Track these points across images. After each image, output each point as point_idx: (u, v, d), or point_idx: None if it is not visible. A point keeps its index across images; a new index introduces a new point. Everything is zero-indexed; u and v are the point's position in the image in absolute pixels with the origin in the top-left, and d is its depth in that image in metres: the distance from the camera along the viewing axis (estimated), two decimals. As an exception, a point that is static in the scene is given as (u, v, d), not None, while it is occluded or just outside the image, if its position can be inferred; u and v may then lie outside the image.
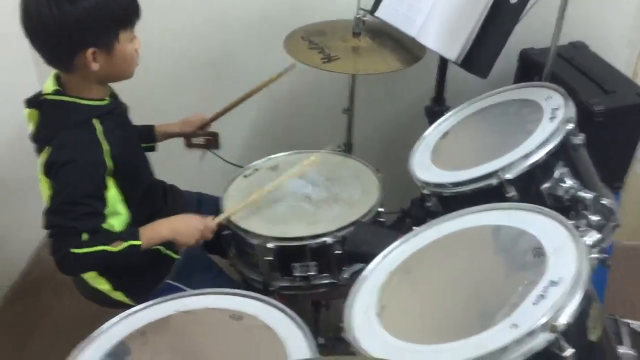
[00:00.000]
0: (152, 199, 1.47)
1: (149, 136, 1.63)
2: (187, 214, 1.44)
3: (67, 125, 1.26)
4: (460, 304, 0.93)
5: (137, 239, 1.29)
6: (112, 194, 1.32)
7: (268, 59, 2.12)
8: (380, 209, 1.49)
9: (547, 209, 0.99)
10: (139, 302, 1.18)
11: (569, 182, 1.16)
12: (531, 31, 1.82)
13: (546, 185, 1.18)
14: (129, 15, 1.26)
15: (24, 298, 2.19)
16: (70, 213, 1.23)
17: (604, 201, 1.19)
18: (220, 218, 1.45)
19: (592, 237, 0.95)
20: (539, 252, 0.91)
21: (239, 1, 2.08)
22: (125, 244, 1.27)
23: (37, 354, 1.99)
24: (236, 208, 1.49)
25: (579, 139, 1.21)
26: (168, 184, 1.65)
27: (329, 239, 1.39)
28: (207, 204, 1.63)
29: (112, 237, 1.28)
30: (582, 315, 0.80)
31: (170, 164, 1.79)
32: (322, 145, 1.75)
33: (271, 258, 1.40)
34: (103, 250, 1.24)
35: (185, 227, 1.37)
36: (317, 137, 1.89)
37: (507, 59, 1.91)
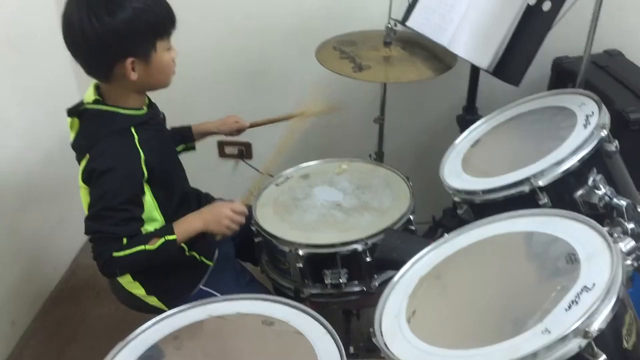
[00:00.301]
0: (187, 207, 1.50)
1: (187, 136, 1.67)
2: (214, 202, 1.46)
3: (106, 134, 1.30)
4: (491, 309, 0.93)
5: (172, 233, 1.32)
6: (148, 200, 1.36)
7: (303, 68, 2.15)
8: (411, 217, 1.49)
9: (580, 215, 0.98)
10: (172, 307, 1.20)
11: (603, 189, 1.14)
12: (565, 39, 1.80)
13: (580, 192, 1.16)
14: (166, 25, 1.30)
15: (64, 305, 2.24)
16: (110, 219, 1.27)
17: (640, 209, 1.17)
18: (245, 196, 1.47)
19: (627, 244, 0.93)
20: (572, 258, 0.90)
21: (276, 13, 2.12)
22: (161, 240, 1.30)
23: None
24: (259, 183, 1.52)
25: (614, 145, 1.19)
26: (203, 192, 1.68)
27: (359, 246, 1.39)
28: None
29: (148, 236, 1.32)
30: (616, 322, 0.79)
31: (204, 173, 1.83)
32: (353, 154, 1.76)
33: (302, 265, 1.41)
34: (142, 250, 1.28)
35: (212, 214, 1.39)
36: (349, 146, 1.90)
37: (541, 67, 1.89)
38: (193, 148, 1.70)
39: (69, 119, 1.37)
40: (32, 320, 2.16)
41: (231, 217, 1.40)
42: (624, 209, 1.11)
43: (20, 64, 2.03)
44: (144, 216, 1.34)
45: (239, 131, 1.73)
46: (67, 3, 1.24)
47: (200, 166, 1.75)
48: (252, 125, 1.74)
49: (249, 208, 1.57)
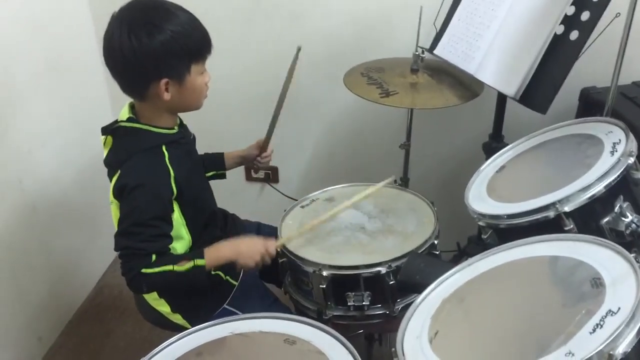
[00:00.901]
0: (214, 226, 1.53)
1: (219, 163, 1.70)
2: (250, 236, 1.48)
3: (138, 151, 1.34)
4: (514, 332, 0.92)
5: (202, 257, 1.34)
6: (176, 217, 1.39)
7: (331, 95, 2.19)
8: (435, 242, 1.49)
9: (605, 240, 0.97)
10: (195, 326, 1.22)
11: (630, 217, 1.14)
12: (593, 70, 1.81)
13: (606, 219, 1.15)
14: (201, 49, 1.34)
15: (89, 322, 2.28)
16: (140, 235, 1.30)
17: (669, 239, 1.15)
18: (281, 242, 1.49)
19: (654, 270, 0.92)
20: (597, 283, 0.89)
21: (305, 40, 2.16)
22: (190, 264, 1.32)
23: (100, 377, 2.07)
24: (297, 232, 1.52)
25: (641, 173, 1.18)
26: (230, 213, 1.71)
27: (383, 269, 1.39)
28: (266, 233, 1.67)
29: (178, 257, 1.34)
30: (641, 346, 0.78)
31: (231, 196, 1.86)
32: (378, 179, 1.77)
33: (325, 286, 1.41)
34: (171, 270, 1.30)
35: (247, 248, 1.41)
36: (374, 171, 1.91)
37: (568, 97, 1.89)
38: (224, 176, 1.73)
39: (102, 137, 1.42)
40: (58, 336, 2.19)
41: (263, 255, 1.42)
42: (651, 236, 1.10)
43: (58, 85, 2.11)
44: (172, 233, 1.37)
45: (258, 154, 1.73)
46: (110, 22, 1.30)
47: (227, 189, 1.78)
48: (265, 141, 1.73)
49: (275, 228, 1.59)
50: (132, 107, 1.40)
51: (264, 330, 1.18)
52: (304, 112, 2.30)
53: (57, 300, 2.19)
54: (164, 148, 1.36)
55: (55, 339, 2.18)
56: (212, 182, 1.63)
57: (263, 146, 1.73)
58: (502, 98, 1.81)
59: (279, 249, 1.51)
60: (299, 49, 1.64)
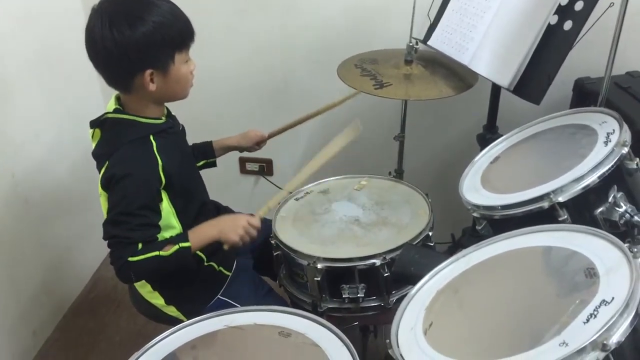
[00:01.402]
0: (206, 217, 1.51)
1: (208, 151, 1.69)
2: (233, 214, 1.47)
3: (126, 141, 1.33)
4: (508, 322, 0.92)
5: (186, 240, 1.34)
6: (166, 207, 1.38)
7: (325, 85, 2.18)
8: (430, 233, 1.49)
9: (599, 230, 0.98)
10: (190, 318, 1.22)
11: (624, 207, 1.13)
12: (587, 61, 1.81)
13: (600, 209, 1.15)
14: (184, 38, 1.33)
15: (84, 316, 2.27)
16: (127, 224, 1.30)
17: (662, 228, 1.16)
18: (262, 210, 1.48)
19: (648, 261, 0.92)
20: (591, 273, 0.89)
21: (298, 31, 2.16)
22: (175, 247, 1.32)
23: (94, 370, 2.07)
24: (278, 198, 1.54)
25: (635, 163, 1.18)
26: (222, 205, 1.70)
27: (377, 261, 1.39)
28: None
29: (163, 242, 1.34)
30: (634, 336, 0.78)
31: (225, 189, 1.86)
32: (373, 171, 1.77)
33: (320, 279, 1.41)
34: (156, 256, 1.30)
35: (229, 223, 1.41)
36: (368, 163, 1.91)
37: (562, 88, 1.89)
38: (214, 164, 1.72)
39: (90, 131, 1.41)
40: (53, 330, 2.19)
41: (246, 228, 1.41)
42: (645, 226, 1.10)
43: (50, 78, 2.09)
44: (161, 223, 1.36)
45: (259, 144, 1.74)
46: (90, 16, 1.28)
47: (221, 182, 1.78)
48: (270, 136, 1.75)
49: (269, 221, 1.59)
50: (118, 98, 1.40)
51: (258, 322, 1.18)
52: (298, 104, 2.29)
53: (51, 294, 2.19)
54: (151, 138, 1.35)
55: (50, 333, 2.18)
56: (205, 175, 1.62)
57: (266, 138, 1.74)
58: (496, 89, 1.81)
59: (272, 242, 1.51)
60: (356, 93, 1.70)
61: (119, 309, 2.28)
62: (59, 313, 2.25)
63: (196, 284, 1.47)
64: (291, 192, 1.64)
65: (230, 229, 1.39)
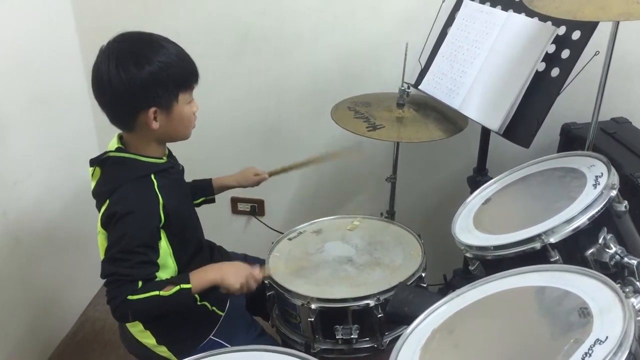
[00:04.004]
0: (201, 257, 1.52)
1: (207, 189, 1.71)
2: (235, 261, 1.48)
3: (127, 180, 1.34)
4: (504, 362, 0.93)
5: (187, 282, 1.33)
6: (163, 246, 1.38)
7: (318, 127, 2.22)
8: (423, 274, 1.50)
9: (591, 270, 0.99)
10: (181, 358, 1.20)
11: (614, 248, 1.15)
12: (574, 107, 1.87)
13: (591, 251, 1.17)
14: (188, 79, 1.37)
15: (70, 358, 2.23)
16: (126, 262, 1.29)
17: (652, 270, 1.17)
18: (267, 272, 1.49)
19: (639, 301, 0.94)
20: (584, 312, 0.90)
21: (292, 74, 2.21)
22: (176, 288, 1.31)
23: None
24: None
25: (623, 205, 1.21)
26: (216, 245, 1.70)
27: (371, 302, 1.40)
28: (252, 264, 1.67)
29: (164, 282, 1.33)
30: (629, 375, 0.79)
31: (217, 229, 1.86)
32: (365, 212, 1.79)
33: (314, 319, 1.41)
34: (156, 295, 1.29)
35: (232, 270, 1.41)
36: (361, 204, 1.93)
37: (550, 132, 1.94)
38: (213, 200, 1.74)
39: (90, 169, 1.42)
40: (37, 373, 2.15)
41: (248, 278, 1.41)
42: (634, 267, 1.11)
43: (45, 117, 2.11)
44: (158, 261, 1.36)
45: (258, 183, 1.77)
46: (98, 55, 1.32)
47: (213, 222, 1.78)
48: (270, 174, 1.77)
49: (262, 261, 1.59)
50: (120, 138, 1.41)
51: (252, 362, 1.16)
52: (291, 145, 2.33)
53: (37, 335, 2.15)
54: (152, 177, 1.37)
55: (35, 376, 2.13)
56: (198, 213, 1.63)
57: (266, 178, 1.78)
58: (486, 132, 1.85)
59: (266, 282, 1.51)
60: (359, 150, 1.82)
61: (106, 350, 2.24)
62: (45, 355, 2.20)
63: (188, 324, 1.46)
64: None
65: (232, 276, 1.39)
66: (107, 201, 1.33)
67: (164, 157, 1.44)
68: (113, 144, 1.40)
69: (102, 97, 1.33)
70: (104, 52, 1.31)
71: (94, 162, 1.40)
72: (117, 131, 1.42)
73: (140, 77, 1.27)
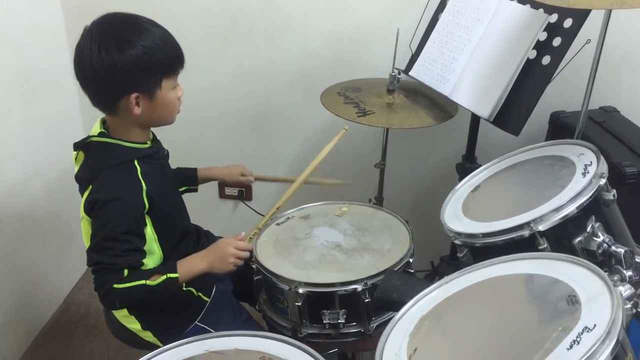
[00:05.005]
0: (187, 242, 1.51)
1: (192, 178, 1.69)
2: (217, 242, 1.47)
3: (110, 165, 1.32)
4: (492, 349, 0.93)
5: (174, 271, 1.33)
6: (149, 232, 1.37)
7: (307, 113, 2.21)
8: (411, 260, 1.50)
9: (579, 259, 0.99)
10: (166, 343, 1.18)
11: (601, 237, 1.16)
12: (562, 95, 1.87)
13: (579, 239, 1.18)
14: (173, 65, 1.34)
15: (55, 341, 2.22)
16: (112, 250, 1.28)
17: (638, 259, 1.18)
18: (251, 232, 1.49)
19: (627, 290, 0.94)
20: (573, 300, 0.90)
21: (282, 59, 2.18)
22: (163, 277, 1.31)
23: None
24: (266, 218, 1.56)
25: (612, 194, 1.21)
26: (203, 229, 1.69)
27: (359, 287, 1.40)
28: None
29: (150, 271, 1.32)
30: (617, 363, 0.79)
31: (204, 213, 1.84)
32: (353, 197, 1.78)
33: (301, 304, 1.41)
34: (143, 284, 1.28)
35: (219, 255, 1.40)
36: (349, 190, 1.92)
37: (539, 121, 1.94)
38: (195, 190, 1.72)
39: (74, 153, 1.40)
40: (22, 355, 2.13)
41: (236, 255, 1.41)
42: (622, 256, 1.12)
43: (30, 97, 2.08)
44: (144, 248, 1.35)
45: (243, 184, 1.76)
46: (81, 36, 1.28)
47: (200, 206, 1.77)
48: (257, 179, 1.77)
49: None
50: (103, 122, 1.39)
51: (239, 347, 1.16)
52: (279, 130, 2.31)
53: (21, 318, 2.13)
54: (136, 162, 1.35)
55: (20, 358, 2.12)
56: (185, 198, 1.62)
57: (252, 182, 1.79)
58: (475, 120, 1.84)
59: (254, 266, 1.50)
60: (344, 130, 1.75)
61: (91, 333, 2.23)
62: (29, 337, 2.19)
63: (174, 310, 1.45)
64: (278, 208, 1.67)
65: (218, 260, 1.39)
66: (90, 187, 1.31)
67: (148, 142, 1.42)
68: (96, 128, 1.37)
69: (83, 79, 1.30)
70: (87, 34, 1.27)
71: (77, 146, 1.38)
72: (101, 114, 1.39)
73: (122, 61, 1.25)
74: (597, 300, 0.88)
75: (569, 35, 1.50)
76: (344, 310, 1.42)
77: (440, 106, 1.77)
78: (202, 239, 1.64)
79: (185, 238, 1.52)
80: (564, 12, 1.52)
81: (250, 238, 1.53)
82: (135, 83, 1.28)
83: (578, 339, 0.82)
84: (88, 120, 1.44)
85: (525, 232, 1.17)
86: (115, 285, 1.26)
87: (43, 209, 2.18)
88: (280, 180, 1.80)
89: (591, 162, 1.27)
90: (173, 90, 1.36)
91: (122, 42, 1.25)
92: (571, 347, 0.81)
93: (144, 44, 1.26)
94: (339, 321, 1.42)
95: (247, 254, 1.43)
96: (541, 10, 1.54)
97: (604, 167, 1.23)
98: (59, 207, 2.21)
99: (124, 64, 1.25)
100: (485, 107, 1.60)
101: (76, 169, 1.40)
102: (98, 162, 1.34)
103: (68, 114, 2.24)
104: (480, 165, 1.55)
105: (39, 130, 2.14)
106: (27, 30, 2.03)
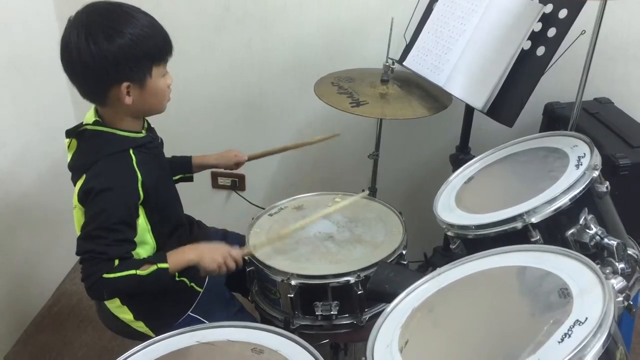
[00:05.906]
0: (180, 233, 1.50)
1: (186, 166, 1.68)
2: (215, 241, 1.46)
3: (104, 154, 1.31)
4: (484, 341, 0.93)
5: (164, 261, 1.32)
6: (142, 222, 1.36)
7: (300, 103, 2.19)
8: (404, 252, 1.50)
9: (572, 251, 0.99)
10: (158, 334, 1.18)
11: (594, 229, 1.16)
12: (556, 86, 1.86)
13: (571, 231, 1.17)
14: (162, 52, 1.31)
15: (46, 331, 2.21)
16: (103, 239, 1.26)
17: (630, 251, 1.18)
18: (246, 250, 1.47)
19: (619, 282, 0.94)
20: (564, 293, 0.90)
21: (276, 48, 2.17)
22: (153, 267, 1.29)
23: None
24: (262, 243, 1.51)
25: (604, 186, 1.21)
26: (195, 220, 1.68)
27: (352, 279, 1.39)
28: (232, 240, 1.65)
29: (141, 261, 1.31)
30: (607, 356, 0.79)
31: (197, 203, 1.84)
32: (346, 188, 1.78)
33: (293, 295, 1.40)
34: (133, 274, 1.27)
35: (210, 251, 1.39)
36: (343, 180, 1.92)
37: (533, 112, 1.94)
38: (191, 179, 1.71)
39: (66, 140, 1.38)
40: (13, 345, 2.12)
41: (226, 259, 1.39)
42: (614, 248, 1.12)
43: (21, 86, 2.05)
44: (136, 239, 1.33)
45: (238, 165, 1.74)
46: (66, 27, 1.26)
47: (193, 196, 1.76)
48: (250, 158, 1.75)
49: (242, 237, 1.58)
50: (97, 110, 1.37)
51: (231, 339, 1.16)
52: (273, 120, 2.30)
53: (12, 308, 2.12)
54: (131, 152, 1.33)
55: (11, 348, 2.11)
56: (178, 188, 1.60)
57: (245, 161, 1.74)
58: (469, 110, 1.84)
59: (246, 258, 1.49)
60: (336, 135, 1.77)
61: (82, 323, 2.22)
62: (21, 327, 2.18)
63: (167, 300, 1.44)
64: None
65: (210, 257, 1.38)
66: (84, 176, 1.29)
67: (143, 131, 1.41)
68: (90, 116, 1.35)
69: (71, 71, 1.27)
70: (72, 24, 1.25)
71: (70, 134, 1.36)
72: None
73: (111, 50, 1.22)
74: (589, 293, 0.88)
75: (564, 26, 1.49)
76: (336, 302, 1.42)
77: (434, 97, 1.76)
78: (194, 230, 1.63)
79: (178, 228, 1.51)
80: (559, 3, 1.51)
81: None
82: (125, 73, 1.26)
83: (569, 332, 0.82)
84: (79, 110, 1.42)
85: (518, 224, 1.17)
86: (105, 275, 1.25)
87: (33, 199, 2.16)
88: (272, 152, 1.78)
89: (585, 153, 1.27)
90: (163, 78, 1.34)
91: (110, 32, 1.23)
92: (562, 340, 0.81)
93: (132, 32, 1.24)
94: (332, 313, 1.42)
95: (233, 265, 1.41)
96: (536, 0, 1.53)
97: (598, 159, 1.23)
98: (49, 197, 2.20)
99: (113, 54, 1.23)
100: (479, 98, 1.59)
101: (69, 157, 1.38)
102: (93, 151, 1.33)
103: (59, 104, 2.22)
104: (474, 157, 1.55)
105: (30, 119, 2.12)
106: (17, 18, 2.00)
